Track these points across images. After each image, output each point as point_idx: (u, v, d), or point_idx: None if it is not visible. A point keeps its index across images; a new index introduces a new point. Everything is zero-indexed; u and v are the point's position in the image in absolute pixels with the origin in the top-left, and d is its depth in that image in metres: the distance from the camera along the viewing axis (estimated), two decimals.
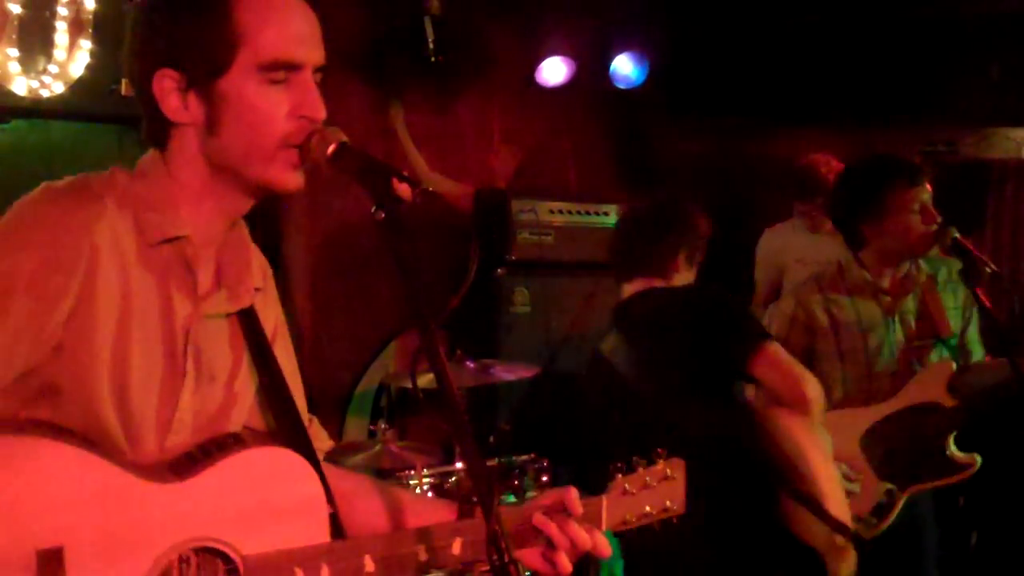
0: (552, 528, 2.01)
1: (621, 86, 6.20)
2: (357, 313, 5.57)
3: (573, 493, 2.05)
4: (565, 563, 2.02)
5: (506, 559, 1.61)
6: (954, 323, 4.06)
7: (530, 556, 2.06)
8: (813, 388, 3.32)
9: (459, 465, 4.16)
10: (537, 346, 5.53)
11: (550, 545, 2.02)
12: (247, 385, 2.00)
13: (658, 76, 6.20)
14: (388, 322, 5.55)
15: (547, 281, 5.64)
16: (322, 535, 1.89)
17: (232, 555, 1.80)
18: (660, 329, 3.41)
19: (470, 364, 4.45)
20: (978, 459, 3.80)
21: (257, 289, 1.98)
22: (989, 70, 6.09)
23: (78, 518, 1.68)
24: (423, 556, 1.92)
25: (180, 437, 1.85)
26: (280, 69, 1.77)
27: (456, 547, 1.98)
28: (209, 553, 1.80)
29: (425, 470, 4.10)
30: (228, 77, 1.77)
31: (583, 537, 2.02)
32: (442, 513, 2.07)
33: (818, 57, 6.04)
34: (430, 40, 5.42)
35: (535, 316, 5.59)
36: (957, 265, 3.83)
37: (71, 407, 1.74)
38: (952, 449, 3.80)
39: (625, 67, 6.16)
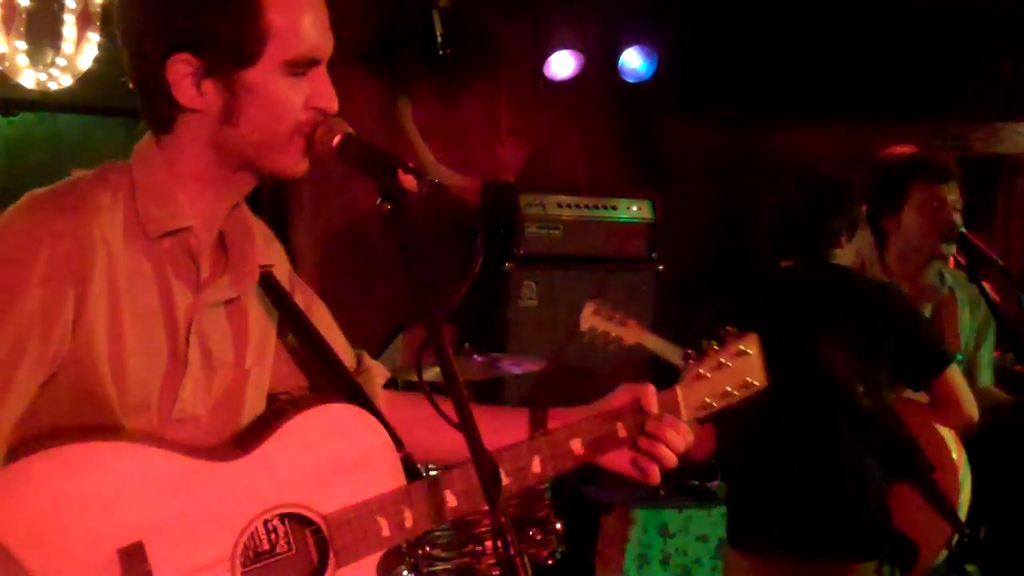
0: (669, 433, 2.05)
1: (630, 80, 6.18)
2: (364, 306, 5.56)
3: (650, 390, 2.06)
4: (657, 473, 2.06)
5: (512, 551, 1.61)
6: (966, 342, 4.07)
7: (617, 461, 2.09)
8: (976, 413, 3.54)
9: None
10: (545, 340, 5.52)
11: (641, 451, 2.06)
12: (263, 358, 1.99)
13: (667, 70, 6.18)
14: (395, 315, 5.54)
15: (555, 275, 5.63)
16: (397, 479, 1.91)
17: (312, 516, 1.83)
18: (849, 310, 3.48)
19: (478, 358, 4.45)
20: None
21: (263, 266, 1.97)
22: (999, 65, 6.08)
23: (151, 510, 1.70)
24: (505, 480, 1.93)
25: (185, 426, 1.84)
26: (304, 65, 1.77)
27: (536, 465, 2.00)
28: (292, 519, 1.83)
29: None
30: (254, 69, 1.74)
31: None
32: (514, 425, 2.07)
33: (828, 51, 6.02)
34: (438, 33, 5.41)
35: (543, 310, 5.58)
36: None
37: (71, 405, 1.74)
38: None
39: (634, 61, 6.13)
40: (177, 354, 1.82)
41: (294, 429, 1.86)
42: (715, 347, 2.15)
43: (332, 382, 2.01)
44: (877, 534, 3.39)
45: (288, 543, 1.85)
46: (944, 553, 3.50)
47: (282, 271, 2.06)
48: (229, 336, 1.91)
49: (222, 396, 1.89)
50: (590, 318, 4.03)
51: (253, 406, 1.95)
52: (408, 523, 1.88)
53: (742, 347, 2.14)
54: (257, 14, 1.73)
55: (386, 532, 1.86)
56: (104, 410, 1.74)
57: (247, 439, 1.86)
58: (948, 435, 3.62)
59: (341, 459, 1.87)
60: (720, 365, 2.14)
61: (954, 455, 3.60)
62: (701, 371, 2.12)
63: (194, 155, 1.81)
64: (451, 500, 1.90)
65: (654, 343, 3.99)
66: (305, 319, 2.02)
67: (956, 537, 3.45)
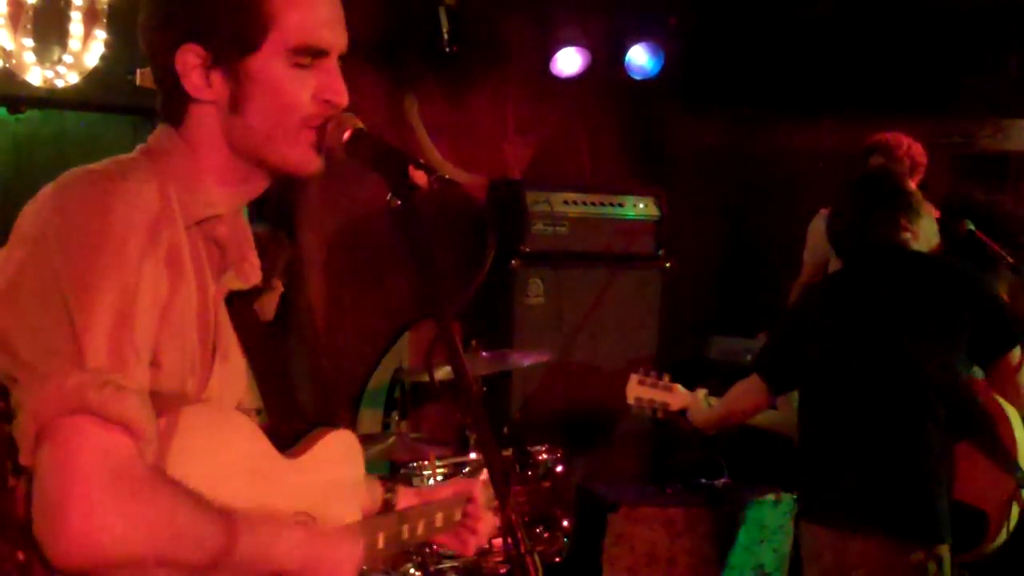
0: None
1: (636, 77, 6.18)
2: (370, 305, 5.57)
3: (478, 487, 2.32)
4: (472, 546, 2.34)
5: (522, 549, 1.60)
6: None
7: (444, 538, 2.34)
8: None
9: (472, 456, 4.16)
10: (551, 337, 5.52)
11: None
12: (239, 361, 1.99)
13: (673, 67, 6.18)
14: (401, 314, 5.55)
15: (561, 272, 5.63)
16: (357, 513, 2.03)
17: None
18: (930, 293, 3.60)
19: (485, 354, 4.45)
20: None
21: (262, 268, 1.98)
22: (1006, 61, 6.06)
23: (245, 487, 1.74)
24: (420, 531, 2.14)
25: None
26: (308, 54, 1.76)
27: (439, 520, 2.23)
28: None
29: (438, 461, 4.10)
30: (256, 57, 1.75)
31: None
32: (369, 496, 2.22)
33: (834, 47, 6.01)
34: (445, 30, 5.41)
35: (549, 307, 5.58)
36: None
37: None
38: None
39: (640, 58, 6.13)
40: (207, 343, 1.82)
41: (327, 445, 1.93)
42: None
43: (284, 413, 2.04)
44: (943, 518, 3.47)
45: None
46: (1016, 516, 3.61)
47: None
48: (228, 330, 1.91)
49: (230, 391, 1.89)
50: (635, 388, 4.11)
51: (241, 406, 1.95)
52: (380, 544, 2.00)
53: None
54: (260, 2, 1.74)
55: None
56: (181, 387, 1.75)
57: (289, 444, 1.90)
58: (1012, 412, 3.74)
59: (343, 482, 1.98)
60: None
61: (1017, 432, 3.71)
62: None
63: (213, 148, 1.81)
64: (380, 542, 2.02)
65: (697, 406, 4.05)
66: (264, 334, 2.06)
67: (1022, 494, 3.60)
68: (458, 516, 2.30)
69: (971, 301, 3.58)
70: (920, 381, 3.50)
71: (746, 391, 3.89)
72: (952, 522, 3.47)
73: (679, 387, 4.06)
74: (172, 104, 1.81)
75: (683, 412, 4.05)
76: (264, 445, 1.80)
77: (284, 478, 1.82)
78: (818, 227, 5.47)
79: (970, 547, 3.54)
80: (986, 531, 3.55)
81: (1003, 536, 3.62)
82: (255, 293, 2.00)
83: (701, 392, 4.05)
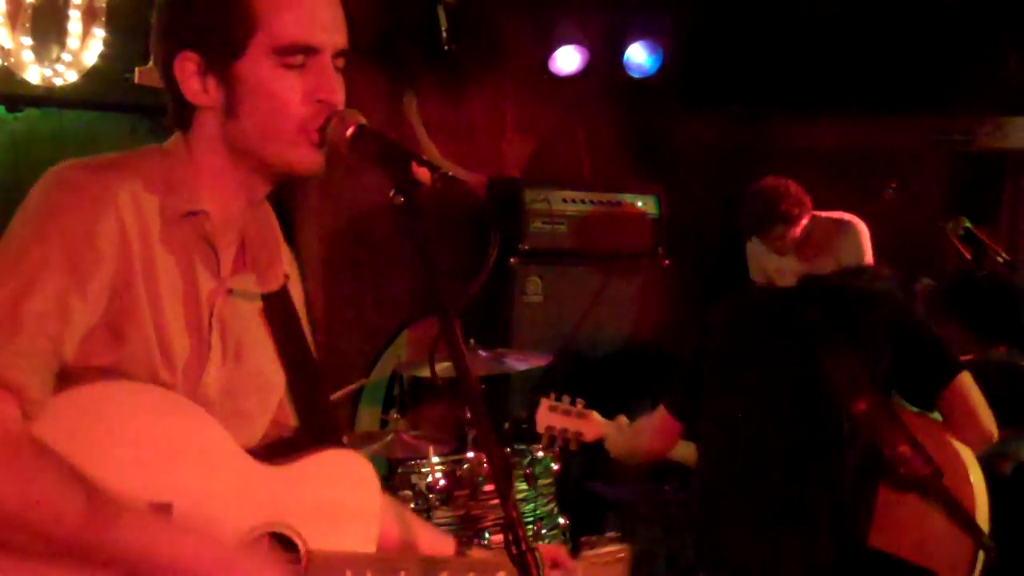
0: None
1: (635, 75, 6.17)
2: (369, 303, 5.56)
3: (564, 553, 2.22)
4: None
5: (523, 547, 1.60)
6: None
7: None
8: (995, 428, 3.22)
9: (470, 454, 4.16)
10: (550, 335, 5.51)
11: None
12: (279, 374, 2.00)
13: (672, 65, 6.17)
14: (400, 312, 5.54)
15: (560, 270, 5.63)
16: (372, 544, 1.97)
17: (300, 546, 1.86)
18: (844, 321, 3.25)
19: (483, 353, 4.45)
20: None
21: (287, 275, 2.00)
22: (1006, 59, 6.06)
23: (191, 479, 1.74)
24: None
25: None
26: (296, 53, 1.78)
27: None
28: (277, 538, 1.86)
29: (437, 459, 4.10)
30: (244, 61, 1.77)
31: None
32: (445, 545, 2.19)
33: (834, 45, 6.01)
34: (443, 28, 5.41)
35: (548, 305, 5.58)
36: None
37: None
38: None
39: (639, 56, 6.13)
40: (201, 336, 1.85)
41: (320, 461, 1.92)
42: (605, 544, 2.37)
43: (317, 429, 2.02)
44: (866, 565, 3.14)
45: None
46: None
47: (295, 288, 2.08)
48: (249, 337, 1.93)
49: (231, 393, 1.90)
50: (547, 416, 3.76)
51: (250, 411, 1.96)
52: None
53: (622, 554, 2.37)
54: (244, 5, 1.76)
55: None
56: (151, 375, 1.77)
57: (273, 454, 1.89)
58: (968, 456, 3.27)
59: (342, 505, 1.93)
60: (605, 563, 2.34)
61: (972, 477, 3.24)
62: (594, 559, 2.32)
63: (209, 150, 1.85)
64: None
65: (615, 435, 3.71)
66: (311, 356, 2.04)
67: (981, 556, 3.16)
68: None
69: (893, 333, 3.20)
70: (837, 422, 3.12)
71: (654, 429, 3.52)
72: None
73: (595, 415, 3.71)
74: (179, 111, 1.85)
75: (601, 441, 3.70)
76: (229, 446, 1.80)
77: (252, 483, 1.81)
78: (755, 250, 5.02)
79: None
80: None
81: None
82: (288, 304, 2.00)
83: (622, 419, 3.71)
